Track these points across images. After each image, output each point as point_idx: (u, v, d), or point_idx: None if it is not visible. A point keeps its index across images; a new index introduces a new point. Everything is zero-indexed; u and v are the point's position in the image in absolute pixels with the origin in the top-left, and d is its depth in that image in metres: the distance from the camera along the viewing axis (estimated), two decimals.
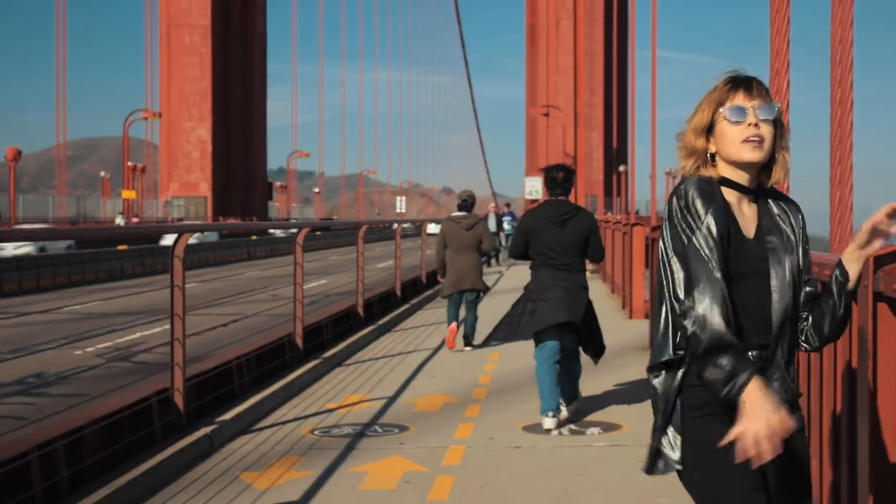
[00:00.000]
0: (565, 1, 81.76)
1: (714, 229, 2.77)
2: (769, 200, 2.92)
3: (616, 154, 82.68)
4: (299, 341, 10.42)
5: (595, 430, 7.46)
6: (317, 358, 10.61)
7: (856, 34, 6.78)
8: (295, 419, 8.09)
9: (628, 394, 8.80)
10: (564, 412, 7.79)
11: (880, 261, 3.54)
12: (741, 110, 2.81)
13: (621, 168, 67.79)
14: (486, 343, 12.07)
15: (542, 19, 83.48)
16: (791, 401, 2.84)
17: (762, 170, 2.89)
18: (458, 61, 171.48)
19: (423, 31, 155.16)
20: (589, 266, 12.89)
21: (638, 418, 7.75)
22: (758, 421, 2.56)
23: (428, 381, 9.72)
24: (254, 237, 49.45)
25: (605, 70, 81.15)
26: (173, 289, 7.19)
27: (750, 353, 2.80)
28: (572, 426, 7.60)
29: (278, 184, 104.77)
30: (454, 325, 11.84)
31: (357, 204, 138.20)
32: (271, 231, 56.62)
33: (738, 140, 2.80)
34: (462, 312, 12.20)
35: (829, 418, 4.14)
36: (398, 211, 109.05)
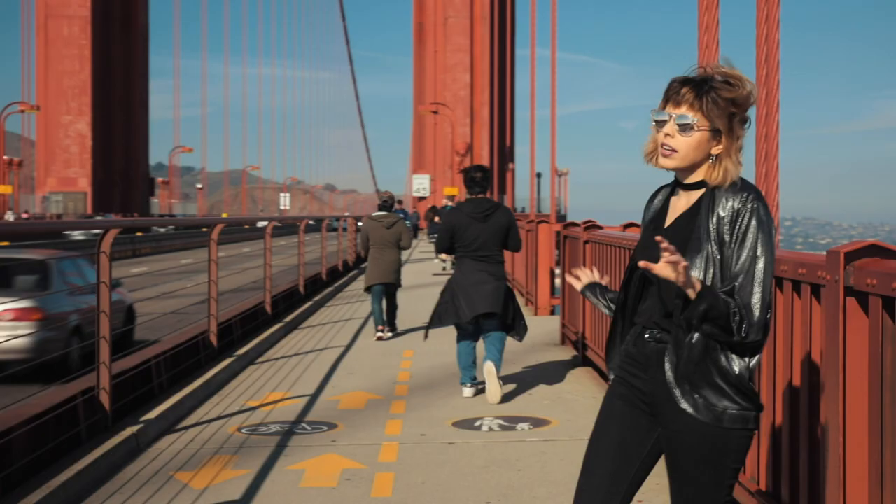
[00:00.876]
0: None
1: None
2: (715, 197, 3.04)
3: (507, 151, 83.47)
4: (213, 339, 10.26)
5: (525, 426, 7.50)
6: (230, 356, 10.45)
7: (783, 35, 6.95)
8: (219, 417, 7.96)
9: (550, 389, 8.88)
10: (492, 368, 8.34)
11: (850, 256, 3.64)
12: (661, 118, 3.05)
13: (509, 165, 68.36)
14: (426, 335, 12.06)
15: (429, 17, 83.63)
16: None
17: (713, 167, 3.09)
18: (342, 58, 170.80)
19: (307, 27, 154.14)
20: None
21: (564, 412, 7.83)
22: None
23: (347, 379, 9.66)
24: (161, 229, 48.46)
25: (499, 68, 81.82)
26: (100, 286, 7.01)
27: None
28: (501, 422, 7.64)
29: (160, 179, 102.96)
30: (382, 326, 12.59)
31: (240, 200, 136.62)
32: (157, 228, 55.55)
33: (658, 145, 3.07)
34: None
35: (798, 414, 4.23)
36: (282, 207, 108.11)
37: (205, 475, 6.25)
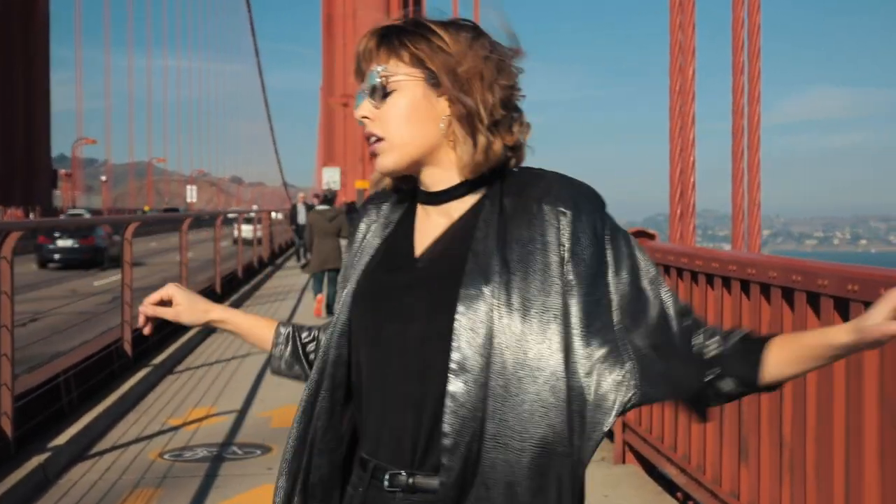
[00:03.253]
0: None
1: None
2: (505, 200, 1.70)
3: None
4: (128, 348, 9.37)
5: None
6: (146, 365, 9.58)
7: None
8: (137, 440, 7.12)
9: None
10: None
11: None
12: (357, 101, 1.73)
13: None
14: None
15: (338, 9, 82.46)
16: None
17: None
18: (249, 49, 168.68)
19: (213, 18, 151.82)
20: None
21: None
22: None
23: (276, 390, 8.85)
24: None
25: None
26: (0, 296, 6.13)
27: None
28: None
29: (63, 171, 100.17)
30: (321, 295, 14.30)
31: (145, 192, 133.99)
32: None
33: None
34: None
35: (858, 459, 3.60)
36: (189, 200, 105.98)
37: None
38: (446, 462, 1.57)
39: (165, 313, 2.03)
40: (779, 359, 1.66)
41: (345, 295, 1.76)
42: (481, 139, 1.66)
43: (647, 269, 1.69)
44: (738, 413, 4.54)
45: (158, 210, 79.68)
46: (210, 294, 15.75)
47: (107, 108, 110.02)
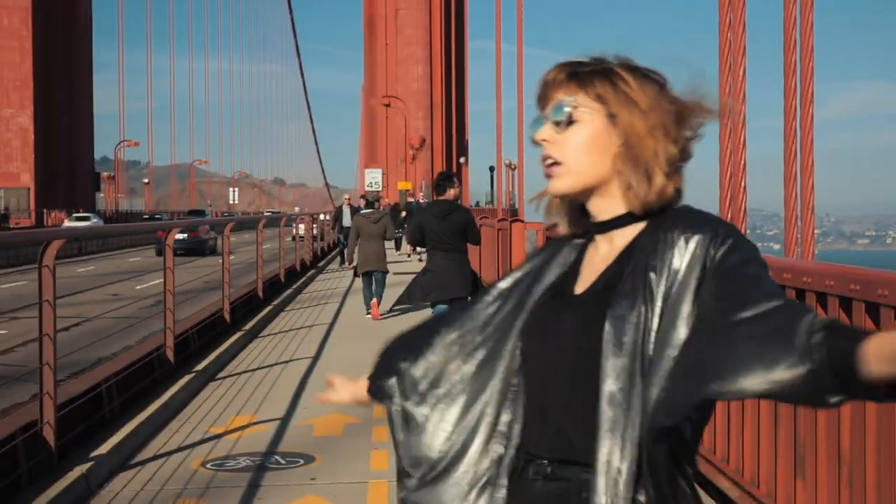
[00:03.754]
0: None
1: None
2: (655, 234, 1.82)
3: (464, 145, 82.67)
4: (170, 354, 9.34)
5: None
6: (189, 372, 9.54)
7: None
8: (180, 449, 7.07)
9: None
10: None
11: None
12: (535, 124, 1.89)
13: (462, 159, 67.49)
14: (391, 309, 13.66)
15: (380, 9, 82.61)
16: None
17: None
18: (290, 51, 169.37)
19: (255, 20, 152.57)
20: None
21: None
22: None
23: None
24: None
25: (456, 60, 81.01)
26: (42, 305, 6.10)
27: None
28: None
29: (105, 174, 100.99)
30: (375, 300, 14.68)
31: (187, 194, 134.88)
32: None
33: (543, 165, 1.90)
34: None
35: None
36: (231, 202, 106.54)
37: None
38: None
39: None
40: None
41: (515, 325, 1.95)
42: (657, 181, 1.81)
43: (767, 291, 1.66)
44: (793, 424, 4.40)
45: (184, 213, 79.63)
46: (253, 299, 15.74)
47: (149, 110, 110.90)
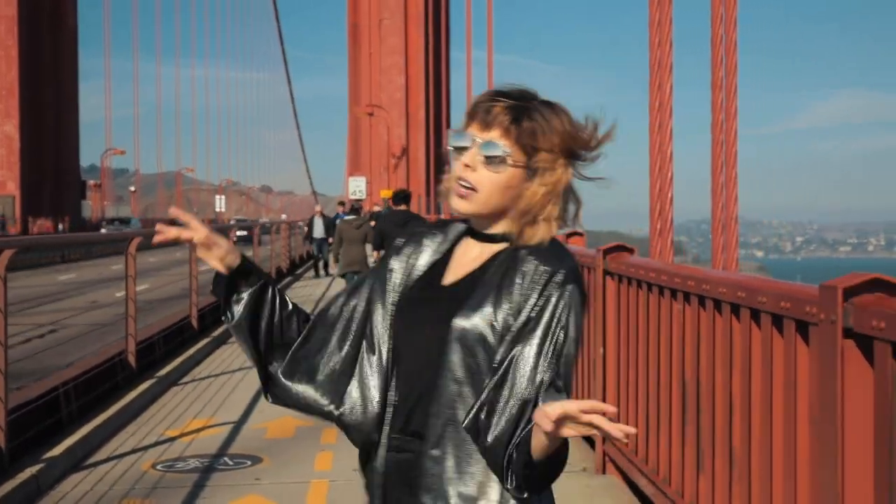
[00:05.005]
0: (388, 0, 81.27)
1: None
2: (518, 260, 2.11)
3: (438, 154, 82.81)
4: (132, 359, 9.55)
5: None
6: (151, 377, 9.76)
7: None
8: (133, 451, 7.29)
9: None
10: None
11: (849, 292, 3.12)
12: (461, 143, 2.12)
13: (445, 168, 67.67)
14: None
15: (364, 18, 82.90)
16: None
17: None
18: (277, 58, 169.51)
19: (241, 27, 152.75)
20: None
21: None
22: None
23: None
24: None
25: (434, 70, 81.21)
26: None
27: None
28: None
29: (92, 182, 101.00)
30: None
31: (174, 202, 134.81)
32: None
33: (455, 178, 2.13)
34: None
35: (786, 477, 3.69)
36: (218, 210, 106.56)
37: None
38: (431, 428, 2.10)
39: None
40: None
41: (389, 302, 2.23)
42: (541, 230, 2.14)
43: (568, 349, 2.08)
44: (696, 428, 4.65)
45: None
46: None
47: (135, 117, 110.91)
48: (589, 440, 6.83)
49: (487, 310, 2.08)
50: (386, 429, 2.18)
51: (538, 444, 1.90)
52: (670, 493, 5.01)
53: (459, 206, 2.14)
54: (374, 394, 2.20)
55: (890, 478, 2.89)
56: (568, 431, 1.79)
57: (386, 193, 62.99)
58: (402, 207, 12.36)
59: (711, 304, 4.42)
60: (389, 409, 2.18)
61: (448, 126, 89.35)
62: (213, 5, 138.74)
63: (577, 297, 2.09)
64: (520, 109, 2.11)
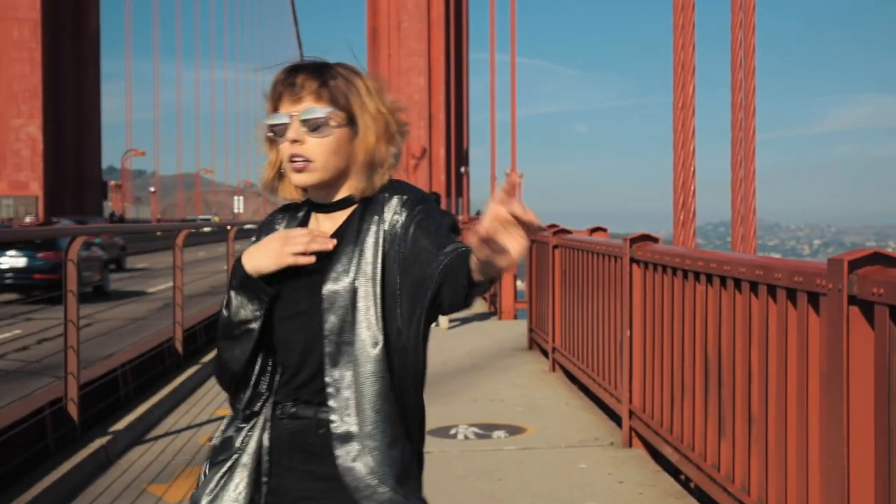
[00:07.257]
0: (406, 3, 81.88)
1: None
2: (376, 201, 2.27)
3: (463, 155, 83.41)
4: (179, 347, 10.08)
5: (501, 434, 7.42)
6: (196, 363, 10.29)
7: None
8: (189, 427, 7.81)
9: (522, 395, 8.80)
10: None
11: (854, 264, 3.59)
12: (278, 122, 2.23)
13: (462, 169, 68.26)
14: None
15: (383, 21, 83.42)
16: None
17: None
18: (295, 60, 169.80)
19: (259, 30, 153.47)
20: None
21: (539, 419, 7.74)
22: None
23: None
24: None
25: (455, 72, 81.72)
26: (66, 294, 6.84)
27: None
28: (476, 429, 7.55)
29: (112, 183, 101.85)
30: None
31: (193, 203, 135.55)
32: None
33: (286, 158, 2.22)
34: None
35: (799, 429, 4.16)
36: (236, 211, 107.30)
37: (179, 488, 6.11)
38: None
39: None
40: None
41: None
42: (378, 178, 2.26)
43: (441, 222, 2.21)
44: (717, 399, 5.12)
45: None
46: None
47: (155, 119, 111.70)
48: (616, 419, 7.32)
49: (357, 267, 2.19)
50: (273, 399, 2.30)
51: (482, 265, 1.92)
52: (694, 458, 5.48)
53: (301, 179, 2.22)
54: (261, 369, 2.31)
55: (888, 422, 3.35)
56: (502, 237, 1.78)
57: None
58: None
59: (732, 283, 4.89)
60: (276, 379, 2.29)
61: (468, 128, 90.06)
62: (232, 9, 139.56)
63: (432, 206, 2.24)
64: (321, 71, 2.22)
